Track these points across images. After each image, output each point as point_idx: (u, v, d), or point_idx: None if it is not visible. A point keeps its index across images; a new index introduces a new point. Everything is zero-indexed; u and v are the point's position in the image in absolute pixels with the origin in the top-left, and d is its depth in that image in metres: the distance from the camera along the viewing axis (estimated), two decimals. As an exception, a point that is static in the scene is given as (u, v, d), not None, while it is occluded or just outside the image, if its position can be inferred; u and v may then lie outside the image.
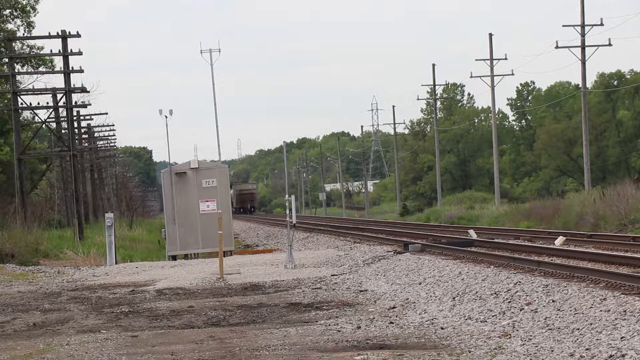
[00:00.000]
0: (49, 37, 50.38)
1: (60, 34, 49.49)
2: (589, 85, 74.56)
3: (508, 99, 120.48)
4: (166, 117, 37.10)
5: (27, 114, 61.46)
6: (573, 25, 57.84)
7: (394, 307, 17.56)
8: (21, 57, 53.63)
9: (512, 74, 72.80)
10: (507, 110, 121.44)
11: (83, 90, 52.75)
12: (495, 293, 17.04)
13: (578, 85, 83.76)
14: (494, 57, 70.42)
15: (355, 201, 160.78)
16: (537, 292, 16.23)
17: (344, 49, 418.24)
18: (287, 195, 29.28)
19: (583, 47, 57.48)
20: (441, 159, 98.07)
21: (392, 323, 15.55)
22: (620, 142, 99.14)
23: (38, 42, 57.40)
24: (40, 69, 57.10)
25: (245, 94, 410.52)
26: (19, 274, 30.20)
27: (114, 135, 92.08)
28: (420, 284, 20.50)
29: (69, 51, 49.66)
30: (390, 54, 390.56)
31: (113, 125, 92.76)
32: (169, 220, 36.33)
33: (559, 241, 29.11)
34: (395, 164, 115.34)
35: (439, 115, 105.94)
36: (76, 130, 71.09)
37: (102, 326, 16.88)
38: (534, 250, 25.93)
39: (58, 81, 59.12)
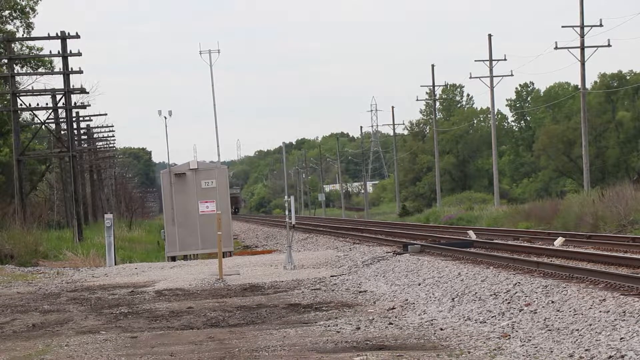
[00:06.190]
0: (48, 38, 50.37)
1: (59, 35, 49.47)
2: (588, 86, 74.56)
3: (507, 100, 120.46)
4: (165, 117, 37.05)
5: (26, 115, 61.50)
6: (572, 26, 57.84)
7: (393, 308, 17.55)
8: (20, 58, 53.59)
9: (512, 75, 73.01)
10: (506, 111, 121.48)
11: (82, 91, 52.75)
12: (494, 294, 17.03)
13: (577, 86, 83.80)
14: (493, 58, 70.57)
15: (354, 202, 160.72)
16: (536, 292, 16.22)
17: (344, 49, 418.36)
18: (286, 196, 29.27)
19: (582, 48, 57.49)
20: (440, 160, 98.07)
21: (392, 324, 15.54)
22: (620, 143, 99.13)
23: (37, 43, 57.40)
24: (40, 70, 57.07)
25: (245, 94, 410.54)
26: (18, 274, 30.17)
27: (113, 136, 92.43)
28: (419, 284, 20.49)
29: (68, 52, 49.65)
30: (390, 54, 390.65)
31: (112, 126, 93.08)
32: (169, 221, 36.32)
33: (558, 242, 29.10)
34: (394, 165, 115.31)
35: (438, 116, 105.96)
36: (75, 131, 71.09)
37: (102, 327, 16.87)
38: (533, 251, 25.90)
39: (57, 82, 58.97)
